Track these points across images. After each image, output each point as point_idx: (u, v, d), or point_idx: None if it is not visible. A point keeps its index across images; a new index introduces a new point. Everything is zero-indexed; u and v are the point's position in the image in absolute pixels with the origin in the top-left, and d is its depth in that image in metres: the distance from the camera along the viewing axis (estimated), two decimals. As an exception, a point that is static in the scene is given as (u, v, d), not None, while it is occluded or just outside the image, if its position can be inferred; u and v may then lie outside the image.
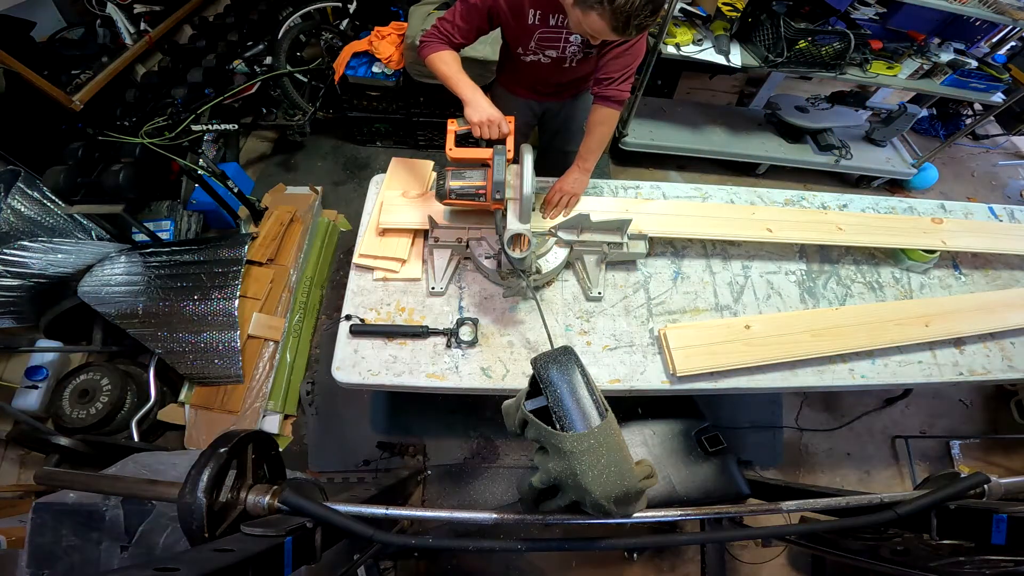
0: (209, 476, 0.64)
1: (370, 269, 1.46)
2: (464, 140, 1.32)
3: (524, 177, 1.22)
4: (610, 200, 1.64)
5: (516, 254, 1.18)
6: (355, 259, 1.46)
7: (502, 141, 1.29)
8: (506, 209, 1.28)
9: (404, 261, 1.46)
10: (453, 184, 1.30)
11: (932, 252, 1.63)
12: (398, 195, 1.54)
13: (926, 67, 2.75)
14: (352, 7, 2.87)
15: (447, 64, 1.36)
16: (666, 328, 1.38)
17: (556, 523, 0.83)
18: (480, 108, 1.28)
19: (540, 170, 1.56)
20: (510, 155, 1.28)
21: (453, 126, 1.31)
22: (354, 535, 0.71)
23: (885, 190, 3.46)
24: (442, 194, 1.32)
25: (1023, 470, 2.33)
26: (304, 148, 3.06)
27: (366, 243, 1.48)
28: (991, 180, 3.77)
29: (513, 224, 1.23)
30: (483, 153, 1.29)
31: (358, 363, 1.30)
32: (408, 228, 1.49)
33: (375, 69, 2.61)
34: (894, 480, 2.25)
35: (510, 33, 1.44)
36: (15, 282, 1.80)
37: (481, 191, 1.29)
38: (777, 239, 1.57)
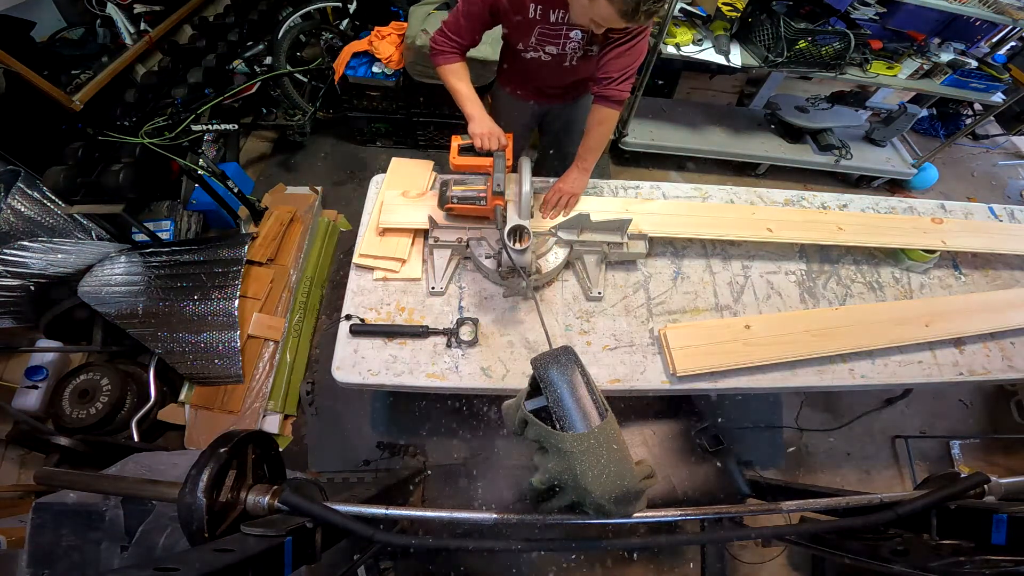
0: (209, 476, 0.64)
1: (370, 269, 1.46)
2: (467, 152, 1.40)
3: (523, 179, 1.25)
4: (610, 200, 1.64)
5: (517, 247, 1.18)
6: (355, 259, 1.46)
7: (501, 151, 1.37)
8: (506, 208, 1.30)
9: (404, 261, 1.46)
10: (456, 189, 1.37)
11: (932, 252, 1.63)
12: (398, 195, 1.54)
13: (926, 67, 2.75)
14: (352, 7, 2.87)
15: (458, 79, 1.44)
16: (666, 328, 1.38)
17: (556, 523, 0.83)
18: (483, 123, 1.39)
19: (540, 172, 1.57)
20: (509, 163, 1.36)
21: (457, 141, 1.42)
22: (354, 535, 0.71)
23: (885, 190, 3.46)
24: (445, 199, 1.37)
25: (1023, 470, 2.33)
26: (304, 148, 3.06)
27: (366, 243, 1.48)
28: (991, 180, 3.77)
29: (513, 218, 1.25)
30: (484, 162, 1.37)
31: (358, 363, 1.30)
32: (408, 228, 1.49)
33: (375, 69, 2.61)
34: (894, 480, 2.25)
35: (511, 28, 1.43)
36: (15, 282, 1.80)
37: (482, 194, 1.35)
38: (777, 239, 1.57)
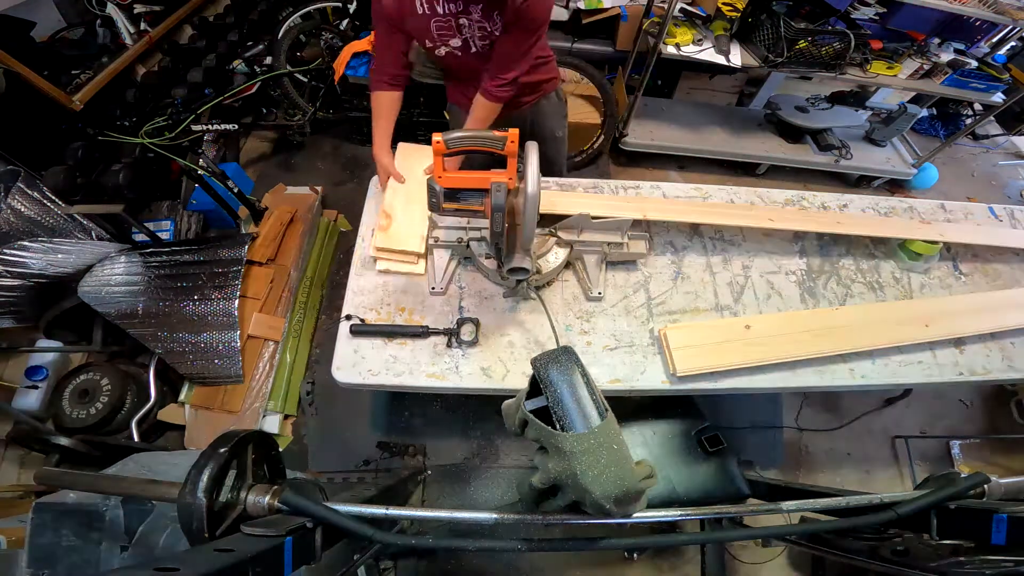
0: (209, 476, 0.64)
1: (373, 263, 1.45)
2: (454, 161, 1.20)
3: (528, 189, 1.05)
4: (610, 200, 1.64)
5: (517, 276, 1.17)
6: (370, 251, 1.45)
7: (503, 162, 1.08)
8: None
9: (420, 256, 1.44)
10: (447, 206, 1.18)
11: (935, 243, 1.63)
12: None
13: (926, 67, 2.75)
14: (352, 7, 2.87)
15: (375, 110, 1.48)
16: (666, 328, 1.38)
17: (556, 523, 0.83)
18: (379, 165, 1.46)
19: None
20: (511, 183, 1.09)
21: (440, 146, 1.07)
22: (354, 535, 0.71)
23: (885, 190, 3.46)
24: (435, 209, 1.21)
25: (1023, 470, 2.33)
26: (304, 148, 3.06)
27: (378, 238, 1.45)
28: (991, 180, 3.77)
29: (514, 254, 1.19)
30: (480, 183, 1.11)
31: (358, 363, 1.30)
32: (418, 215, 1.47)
33: (375, 69, 2.61)
34: (894, 480, 2.25)
35: (412, 30, 1.42)
36: (15, 282, 1.80)
37: (479, 210, 1.17)
38: (778, 226, 1.58)
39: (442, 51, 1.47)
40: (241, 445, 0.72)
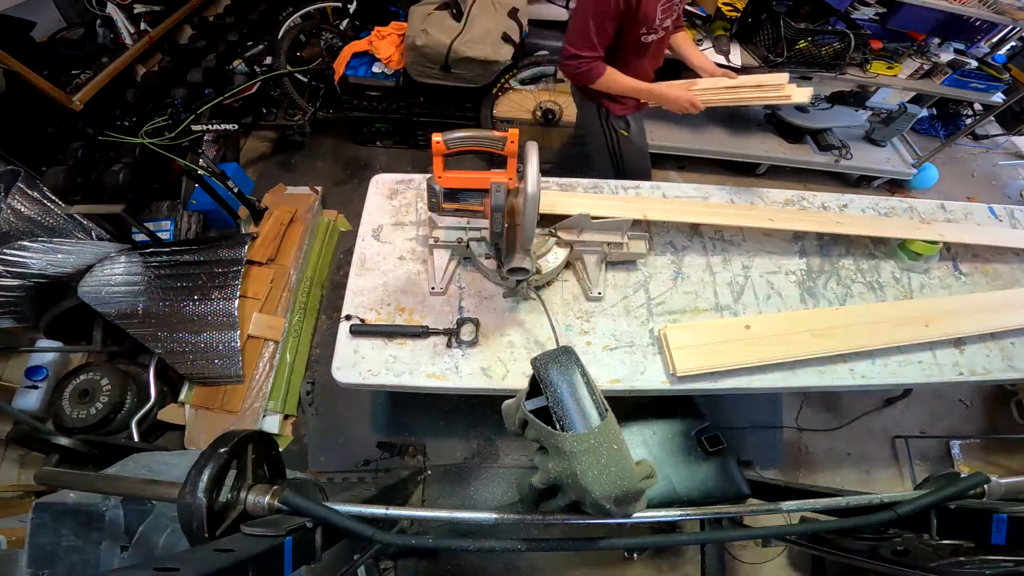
0: (209, 476, 0.64)
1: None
2: (454, 165, 1.15)
3: (527, 189, 1.04)
4: (610, 200, 1.64)
5: (517, 276, 1.18)
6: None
7: (502, 161, 1.06)
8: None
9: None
10: (447, 206, 1.19)
11: (935, 243, 1.63)
12: None
13: (926, 67, 2.75)
14: (352, 7, 2.87)
15: (623, 77, 1.57)
16: (666, 328, 1.38)
17: (556, 523, 0.83)
18: (677, 88, 1.56)
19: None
20: (511, 183, 1.09)
21: (440, 146, 1.07)
22: (354, 535, 0.71)
23: (885, 190, 3.46)
24: (435, 209, 1.20)
25: (1023, 470, 2.33)
26: (304, 148, 3.06)
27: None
28: (991, 180, 3.77)
29: (514, 254, 1.19)
30: (480, 183, 1.12)
31: (358, 363, 1.30)
32: None
33: (375, 69, 2.61)
34: (894, 480, 2.25)
35: (640, 15, 1.46)
36: (15, 282, 1.80)
37: (479, 210, 1.18)
38: (778, 226, 1.59)
39: (651, 37, 1.52)
40: (241, 445, 0.72)
